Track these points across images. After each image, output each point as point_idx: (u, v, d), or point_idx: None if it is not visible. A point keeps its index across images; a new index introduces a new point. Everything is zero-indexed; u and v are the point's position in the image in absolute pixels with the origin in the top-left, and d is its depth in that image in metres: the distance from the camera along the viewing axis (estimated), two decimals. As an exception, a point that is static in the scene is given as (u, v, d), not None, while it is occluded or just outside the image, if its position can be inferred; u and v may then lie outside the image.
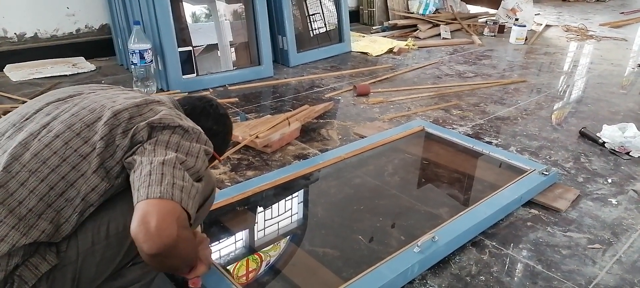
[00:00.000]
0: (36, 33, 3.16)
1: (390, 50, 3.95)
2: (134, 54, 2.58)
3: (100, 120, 0.92)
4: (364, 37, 4.35)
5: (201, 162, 0.92)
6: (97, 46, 3.37)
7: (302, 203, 1.73)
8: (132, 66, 2.65)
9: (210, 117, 1.17)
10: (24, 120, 0.96)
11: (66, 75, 2.98)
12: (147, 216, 0.79)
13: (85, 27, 3.35)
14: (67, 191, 0.87)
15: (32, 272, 0.84)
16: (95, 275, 0.92)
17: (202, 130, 0.99)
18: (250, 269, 1.37)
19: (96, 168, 0.88)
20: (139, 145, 0.90)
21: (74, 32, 3.31)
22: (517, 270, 1.37)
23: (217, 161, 1.23)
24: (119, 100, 0.98)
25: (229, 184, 1.75)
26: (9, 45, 3.08)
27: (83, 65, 3.16)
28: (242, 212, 1.61)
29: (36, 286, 0.85)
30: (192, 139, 0.94)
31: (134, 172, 0.86)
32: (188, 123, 0.98)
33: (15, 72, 2.94)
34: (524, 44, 4.43)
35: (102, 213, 0.92)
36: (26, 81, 2.85)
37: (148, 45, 2.61)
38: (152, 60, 2.66)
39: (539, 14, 5.98)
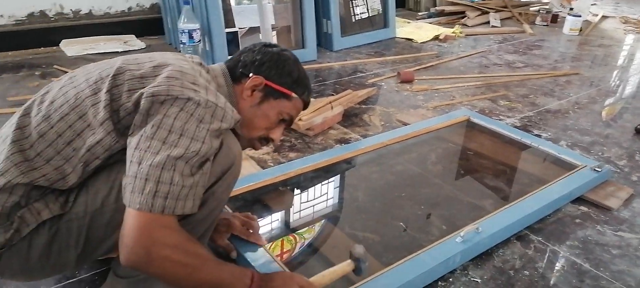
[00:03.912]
0: (91, 10, 3.28)
1: (436, 38, 3.87)
2: (183, 33, 2.64)
3: (110, 72, 0.92)
4: (409, 23, 4.28)
5: (207, 147, 0.86)
6: (147, 25, 3.46)
7: (342, 187, 1.74)
8: (181, 45, 2.71)
9: (251, 51, 1.09)
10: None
11: (117, 52, 3.08)
12: (124, 228, 0.81)
13: (137, 6, 3.44)
14: (74, 140, 0.89)
15: (33, 216, 0.88)
16: (103, 236, 0.94)
17: (220, 104, 0.90)
18: (284, 250, 1.39)
19: (103, 121, 0.88)
20: (141, 117, 0.86)
21: (126, 10, 3.41)
22: (563, 267, 1.33)
23: (290, 96, 1.09)
24: (142, 58, 0.97)
25: (272, 164, 1.78)
26: (65, 21, 3.21)
27: (133, 42, 3.26)
28: (284, 192, 1.63)
29: (37, 231, 0.89)
30: (201, 117, 0.86)
31: (127, 162, 0.85)
32: (201, 94, 0.88)
33: (71, 47, 3.07)
34: (578, 34, 4.23)
35: (114, 176, 0.92)
36: (80, 56, 2.97)
37: (197, 25, 2.66)
38: (200, 40, 2.71)
39: (595, 4, 5.68)
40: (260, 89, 1.07)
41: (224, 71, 1.08)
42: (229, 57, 1.14)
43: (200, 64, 1.05)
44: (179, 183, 0.82)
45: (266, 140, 1.13)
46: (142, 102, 0.86)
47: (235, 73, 1.08)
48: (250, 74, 1.06)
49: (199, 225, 0.97)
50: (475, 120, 2.17)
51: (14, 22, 3.02)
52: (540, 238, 1.43)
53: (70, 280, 1.18)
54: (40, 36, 3.09)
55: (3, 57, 2.92)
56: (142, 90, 0.88)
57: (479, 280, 1.26)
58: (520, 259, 1.34)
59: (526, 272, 1.30)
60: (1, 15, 2.97)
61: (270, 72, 1.07)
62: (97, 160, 0.90)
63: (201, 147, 0.85)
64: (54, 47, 3.13)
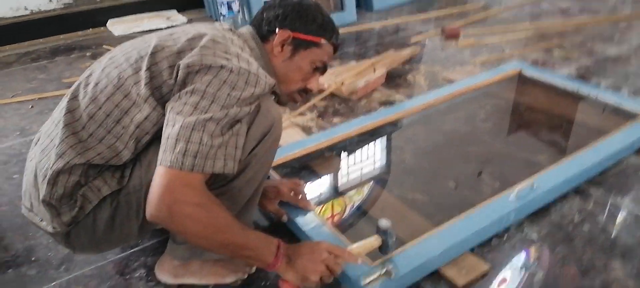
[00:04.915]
0: (133, -12, 3.35)
1: (482, -11, 3.68)
2: (222, 5, 2.66)
3: (148, 51, 0.94)
4: (452, -24, 4.08)
5: (236, 110, 0.86)
6: (188, -1, 3.50)
7: (389, 150, 1.71)
8: (221, 17, 2.73)
9: (271, 7, 1.08)
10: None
11: (161, 28, 3.15)
12: (152, 185, 0.83)
13: (177, -19, 3.48)
14: (122, 119, 0.92)
15: (94, 194, 0.93)
16: None
17: (252, 71, 0.90)
18: (335, 212, 1.40)
19: (146, 98, 0.91)
20: (178, 87, 0.89)
21: (167, -13, 3.46)
22: (625, 220, 1.26)
23: (319, 42, 1.07)
24: (177, 32, 0.99)
25: (317, 130, 1.78)
26: (111, 1, 3.30)
27: (176, 18, 3.31)
28: (330, 157, 1.63)
29: (100, 206, 0.94)
30: (234, 84, 0.87)
31: (163, 127, 0.88)
32: (233, 62, 0.90)
33: (117, 27, 3.16)
34: (640, -27, 3.89)
35: None
36: (127, 35, 3.06)
37: (235, -4, 2.66)
38: (239, 11, 2.72)
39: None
40: (288, 42, 1.06)
41: (251, 33, 1.08)
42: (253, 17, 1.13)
43: (231, 30, 1.06)
44: (208, 143, 0.84)
45: (305, 91, 1.14)
46: (179, 73, 0.89)
47: (262, 32, 1.08)
48: (276, 30, 1.06)
49: (246, 188, 0.99)
50: (528, 73, 2.06)
51: (63, 6, 3.14)
52: (601, 192, 1.36)
53: (134, 249, 1.24)
54: (88, 17, 3.20)
55: (56, 41, 3.05)
56: (179, 63, 0.90)
57: (536, 236, 1.22)
58: (579, 213, 1.29)
59: (586, 226, 1.24)
60: (51, 0, 3.08)
61: (295, 24, 1.06)
62: (147, 135, 0.93)
63: (230, 111, 0.86)
64: (102, 28, 3.23)
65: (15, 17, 3.01)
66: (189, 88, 0.87)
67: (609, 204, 1.32)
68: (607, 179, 1.41)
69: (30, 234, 1.31)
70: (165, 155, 0.83)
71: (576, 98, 1.88)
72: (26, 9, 3.02)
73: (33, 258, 1.23)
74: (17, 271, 1.20)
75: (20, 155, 1.72)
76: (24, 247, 1.27)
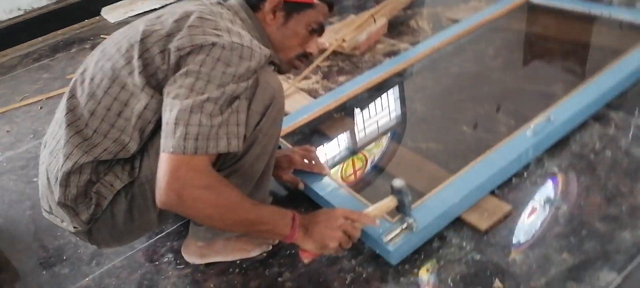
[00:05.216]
0: (122, -27, 3.28)
1: None
2: (212, -24, 2.58)
3: (137, 38, 0.91)
4: None
5: (233, 87, 0.85)
6: (178, -25, 3.42)
7: (398, 101, 1.68)
8: (213, -12, 2.66)
9: None
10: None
11: (155, 9, 3.09)
12: (158, 172, 0.83)
13: (164, -42, 3.39)
14: (123, 111, 0.91)
15: (107, 189, 0.94)
16: None
17: (245, 44, 0.88)
18: (356, 168, 1.39)
19: (142, 87, 0.89)
20: (171, 71, 0.88)
21: (155, -35, 3.38)
22: (650, 142, 1.23)
23: (312, 3, 1.03)
24: (164, 14, 0.96)
25: (323, 92, 1.75)
26: (102, -12, 3.24)
27: (169, -4, 3.25)
28: (340, 118, 1.61)
29: (116, 200, 0.95)
30: (228, 61, 0.85)
31: (162, 112, 0.87)
32: (225, 38, 0.88)
33: (112, 14, 3.12)
34: None
35: None
36: (123, 21, 3.02)
37: (224, -36, 2.59)
38: (230, -21, 2.65)
39: None
40: (280, 8, 1.03)
41: (241, 4, 1.04)
42: None
43: (219, 4, 1.02)
44: (207, 124, 0.82)
45: (305, 56, 1.11)
46: (171, 57, 0.87)
47: (252, 1, 1.04)
48: None
49: (256, 163, 0.98)
50: (536, 0, 1.98)
51: (55, 1, 3.10)
52: (621, 115, 1.32)
53: (160, 235, 1.26)
54: (81, 9, 3.15)
55: (54, 37, 3.03)
56: (169, 47, 0.88)
57: (556, 169, 1.19)
58: (600, 140, 1.26)
59: (608, 152, 1.21)
60: (42, -3, 3.05)
61: None
62: (150, 124, 0.92)
63: (227, 88, 0.85)
64: (98, 17, 3.19)
65: (10, 19, 2.98)
66: (183, 70, 0.85)
67: (631, 126, 1.28)
68: (627, 101, 1.37)
69: (58, 234, 1.34)
70: (167, 141, 0.82)
71: (589, 19, 1.81)
72: (20, 9, 3.00)
73: (64, 257, 1.26)
74: (51, 271, 1.23)
75: (36, 158, 1.74)
76: (54, 247, 1.31)
